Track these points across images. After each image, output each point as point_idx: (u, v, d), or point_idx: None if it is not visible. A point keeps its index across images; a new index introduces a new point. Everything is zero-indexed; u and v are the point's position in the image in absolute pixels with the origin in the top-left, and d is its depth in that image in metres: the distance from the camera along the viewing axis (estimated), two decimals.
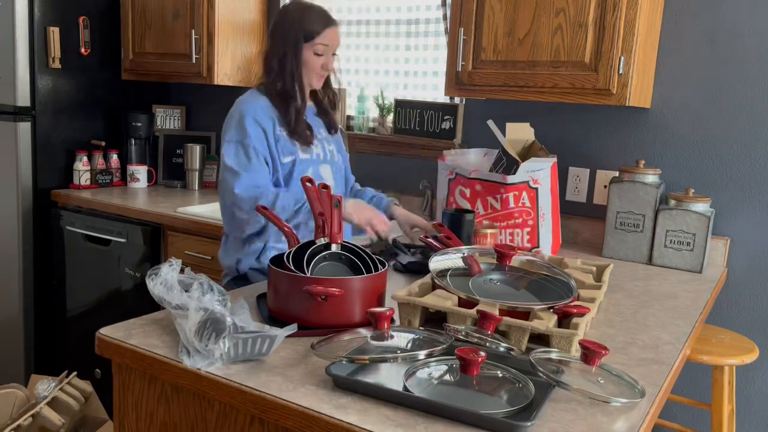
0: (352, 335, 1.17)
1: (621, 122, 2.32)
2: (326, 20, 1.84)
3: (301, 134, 1.86)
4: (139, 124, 3.15)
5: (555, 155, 2.08)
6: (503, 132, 2.05)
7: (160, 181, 3.27)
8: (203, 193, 3.13)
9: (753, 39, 2.08)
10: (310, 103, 1.97)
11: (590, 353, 1.09)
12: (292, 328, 1.13)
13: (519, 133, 2.11)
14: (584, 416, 1.00)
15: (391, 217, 2.00)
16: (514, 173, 1.92)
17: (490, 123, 1.99)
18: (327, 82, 1.97)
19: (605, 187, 2.33)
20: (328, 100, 2.02)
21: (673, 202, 2.09)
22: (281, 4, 3.05)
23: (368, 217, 1.79)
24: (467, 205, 2.03)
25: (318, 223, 1.42)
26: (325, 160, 1.95)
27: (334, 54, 1.89)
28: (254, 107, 1.83)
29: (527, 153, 2.11)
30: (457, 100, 2.65)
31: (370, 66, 2.93)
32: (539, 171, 1.94)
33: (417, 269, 1.77)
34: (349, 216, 1.76)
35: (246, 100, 1.86)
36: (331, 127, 2.02)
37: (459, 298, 1.34)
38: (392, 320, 1.19)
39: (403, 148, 2.75)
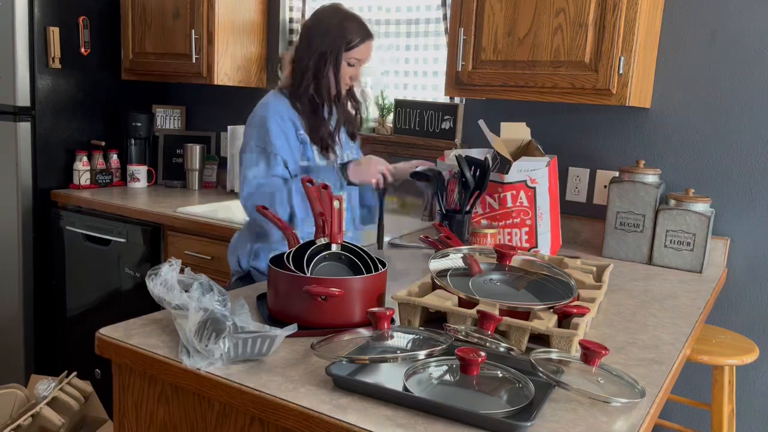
0: (352, 335, 1.17)
1: (621, 122, 2.31)
2: (366, 33, 1.84)
3: (322, 140, 1.85)
4: (139, 124, 3.15)
5: (549, 155, 2.07)
6: (498, 132, 2.05)
7: (160, 181, 3.27)
8: (203, 193, 3.13)
9: (753, 39, 2.08)
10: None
11: (590, 353, 1.09)
12: (292, 328, 1.13)
13: (514, 133, 2.10)
14: (584, 416, 1.00)
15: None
16: (507, 172, 1.93)
17: (481, 122, 1.99)
18: (351, 91, 1.97)
19: (605, 187, 2.33)
20: (351, 106, 2.01)
21: (673, 202, 2.09)
22: (281, 5, 3.06)
23: (374, 172, 1.81)
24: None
25: (318, 223, 1.42)
26: None
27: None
28: (278, 111, 1.80)
29: (523, 153, 2.10)
30: (457, 100, 2.65)
31: (370, 66, 2.93)
32: (536, 170, 1.94)
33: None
34: (357, 178, 1.80)
35: (268, 104, 1.83)
36: (353, 135, 2.02)
37: (459, 298, 1.34)
38: (392, 320, 1.19)
39: (403, 148, 2.75)
